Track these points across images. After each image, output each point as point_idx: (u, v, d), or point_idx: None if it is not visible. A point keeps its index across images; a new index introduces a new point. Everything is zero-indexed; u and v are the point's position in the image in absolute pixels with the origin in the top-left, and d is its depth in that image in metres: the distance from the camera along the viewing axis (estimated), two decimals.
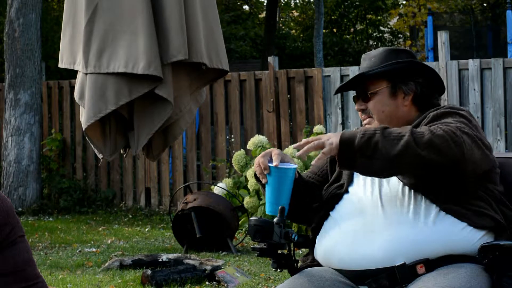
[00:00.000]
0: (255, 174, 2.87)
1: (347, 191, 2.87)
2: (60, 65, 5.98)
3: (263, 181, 2.76)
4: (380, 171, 2.66)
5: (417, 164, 2.61)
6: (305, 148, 2.67)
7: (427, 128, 2.65)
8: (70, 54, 5.91)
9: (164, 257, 6.13)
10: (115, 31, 5.72)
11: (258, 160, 2.77)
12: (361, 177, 2.85)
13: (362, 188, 2.83)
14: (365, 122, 2.97)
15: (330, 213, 2.86)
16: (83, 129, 5.84)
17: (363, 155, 2.61)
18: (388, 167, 2.63)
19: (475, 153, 2.66)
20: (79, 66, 5.85)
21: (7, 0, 10.34)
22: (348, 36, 24.39)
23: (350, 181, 2.89)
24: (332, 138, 2.64)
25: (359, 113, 2.98)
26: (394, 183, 2.78)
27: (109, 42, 5.73)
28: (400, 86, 2.91)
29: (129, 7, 5.72)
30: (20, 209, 10.10)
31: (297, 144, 2.70)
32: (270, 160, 2.75)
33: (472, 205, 2.69)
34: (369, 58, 2.97)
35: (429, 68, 2.95)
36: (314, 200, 2.95)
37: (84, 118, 5.80)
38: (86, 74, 5.79)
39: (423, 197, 2.72)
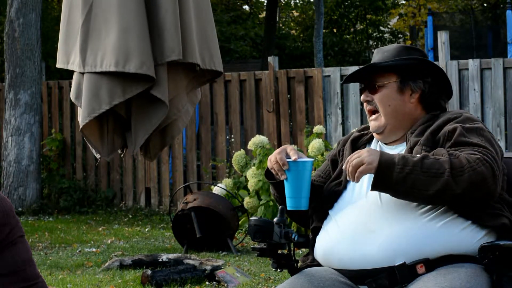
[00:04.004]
0: (266, 172, 2.88)
1: (345, 188, 2.87)
2: (57, 65, 5.98)
3: (283, 177, 2.77)
4: (411, 200, 2.68)
5: (451, 199, 2.64)
6: (349, 170, 2.66)
7: (466, 160, 2.63)
8: (64, 53, 5.91)
9: (164, 257, 6.13)
10: (108, 30, 5.72)
11: (274, 157, 2.78)
12: None
13: (361, 187, 2.82)
14: (371, 118, 2.95)
15: (330, 212, 2.86)
16: (80, 129, 5.84)
17: (398, 190, 2.64)
18: (421, 200, 2.66)
19: (501, 179, 2.70)
20: (73, 66, 5.84)
21: (7, 0, 10.34)
22: (348, 36, 24.39)
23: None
24: (372, 156, 2.63)
25: (365, 104, 2.97)
26: None
27: (102, 41, 5.72)
28: (408, 83, 2.91)
29: (122, 5, 5.70)
30: (20, 209, 10.09)
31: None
32: (287, 156, 2.76)
33: (487, 207, 2.69)
34: (382, 52, 2.97)
35: (439, 69, 2.94)
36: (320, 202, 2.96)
37: (80, 118, 5.81)
38: (83, 73, 5.79)
39: None
